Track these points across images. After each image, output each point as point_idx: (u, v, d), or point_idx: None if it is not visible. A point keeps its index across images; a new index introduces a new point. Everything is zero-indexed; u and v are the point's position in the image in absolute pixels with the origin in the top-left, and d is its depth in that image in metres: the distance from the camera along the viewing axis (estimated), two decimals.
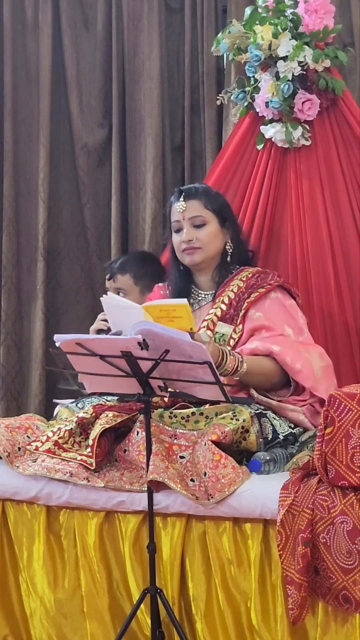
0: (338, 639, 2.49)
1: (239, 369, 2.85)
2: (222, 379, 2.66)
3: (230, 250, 3.15)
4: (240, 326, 3.04)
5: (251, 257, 3.25)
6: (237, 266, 3.16)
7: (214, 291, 3.15)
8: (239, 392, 2.96)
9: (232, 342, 3.02)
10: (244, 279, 3.11)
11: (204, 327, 3.06)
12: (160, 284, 3.30)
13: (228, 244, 3.15)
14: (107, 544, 2.75)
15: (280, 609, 2.55)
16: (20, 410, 3.99)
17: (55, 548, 2.80)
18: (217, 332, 3.05)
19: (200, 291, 3.20)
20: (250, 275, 3.11)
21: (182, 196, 3.12)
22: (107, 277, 3.57)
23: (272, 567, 2.58)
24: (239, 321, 3.04)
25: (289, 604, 2.47)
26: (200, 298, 3.19)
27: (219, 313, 3.07)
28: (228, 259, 3.15)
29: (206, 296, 3.18)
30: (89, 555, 2.75)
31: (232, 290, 3.09)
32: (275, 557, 2.55)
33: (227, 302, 3.08)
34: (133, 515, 2.72)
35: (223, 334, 3.04)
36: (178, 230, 3.14)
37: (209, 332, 3.03)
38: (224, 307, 3.08)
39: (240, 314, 3.04)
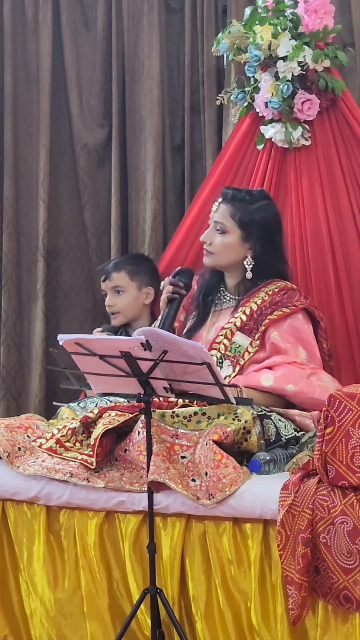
0: (338, 639, 2.49)
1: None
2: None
3: (250, 268, 3.11)
4: (258, 342, 3.03)
5: (282, 272, 3.18)
6: (266, 278, 3.12)
7: (238, 297, 3.14)
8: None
9: (246, 356, 3.02)
10: (270, 292, 3.08)
11: (222, 335, 3.06)
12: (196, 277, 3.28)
13: (248, 260, 3.11)
14: (107, 544, 2.75)
15: (280, 609, 2.55)
16: (20, 410, 3.98)
17: (55, 548, 2.80)
18: (233, 342, 3.04)
19: (226, 293, 3.19)
20: (277, 290, 3.08)
21: (221, 196, 3.14)
22: (102, 279, 3.56)
23: (272, 567, 2.58)
24: (257, 336, 3.03)
25: (289, 604, 2.47)
26: (224, 300, 3.18)
27: (238, 323, 3.06)
28: (247, 274, 3.11)
29: (230, 300, 3.17)
30: (89, 555, 2.75)
31: (255, 302, 3.07)
32: (275, 557, 2.55)
33: (248, 313, 3.06)
34: (133, 515, 2.72)
35: (239, 345, 3.04)
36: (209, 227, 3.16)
37: (225, 340, 3.04)
38: (244, 317, 3.06)
39: (260, 329, 3.03)
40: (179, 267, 3.19)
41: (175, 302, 3.09)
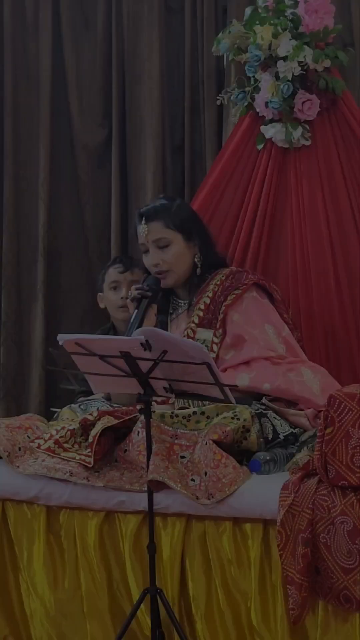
0: (338, 639, 2.49)
1: None
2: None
3: (200, 263, 3.15)
4: (220, 330, 3.05)
5: (224, 259, 3.25)
6: (212, 270, 3.17)
7: (189, 299, 3.17)
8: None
9: (215, 348, 3.03)
10: (219, 282, 3.12)
11: (184, 336, 3.07)
12: None
13: (197, 256, 3.16)
14: (107, 544, 2.75)
15: (280, 609, 2.55)
16: (20, 410, 3.98)
17: (55, 548, 2.80)
18: (198, 339, 3.05)
19: (179, 300, 3.22)
20: (224, 278, 3.12)
21: (143, 219, 3.13)
22: (120, 269, 3.50)
23: (272, 567, 2.58)
24: (218, 325, 3.05)
25: (290, 604, 2.47)
26: (178, 306, 3.21)
27: (196, 320, 3.08)
28: (198, 271, 3.15)
29: (184, 304, 3.20)
30: (89, 555, 2.75)
31: (207, 296, 3.10)
32: (275, 557, 2.55)
33: (203, 308, 3.09)
34: (133, 515, 2.72)
35: (204, 340, 3.05)
36: (145, 252, 3.16)
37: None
38: (201, 313, 3.09)
39: (220, 317, 3.05)
40: (145, 275, 3.22)
41: (142, 303, 3.07)
